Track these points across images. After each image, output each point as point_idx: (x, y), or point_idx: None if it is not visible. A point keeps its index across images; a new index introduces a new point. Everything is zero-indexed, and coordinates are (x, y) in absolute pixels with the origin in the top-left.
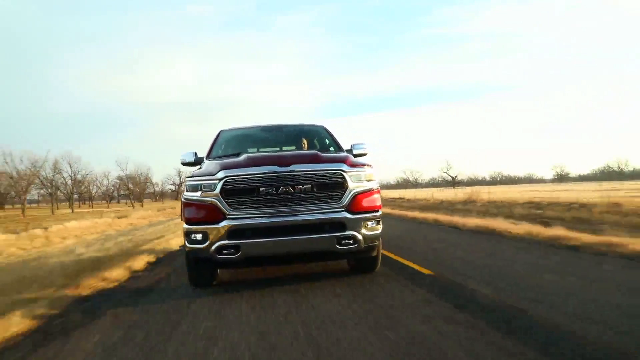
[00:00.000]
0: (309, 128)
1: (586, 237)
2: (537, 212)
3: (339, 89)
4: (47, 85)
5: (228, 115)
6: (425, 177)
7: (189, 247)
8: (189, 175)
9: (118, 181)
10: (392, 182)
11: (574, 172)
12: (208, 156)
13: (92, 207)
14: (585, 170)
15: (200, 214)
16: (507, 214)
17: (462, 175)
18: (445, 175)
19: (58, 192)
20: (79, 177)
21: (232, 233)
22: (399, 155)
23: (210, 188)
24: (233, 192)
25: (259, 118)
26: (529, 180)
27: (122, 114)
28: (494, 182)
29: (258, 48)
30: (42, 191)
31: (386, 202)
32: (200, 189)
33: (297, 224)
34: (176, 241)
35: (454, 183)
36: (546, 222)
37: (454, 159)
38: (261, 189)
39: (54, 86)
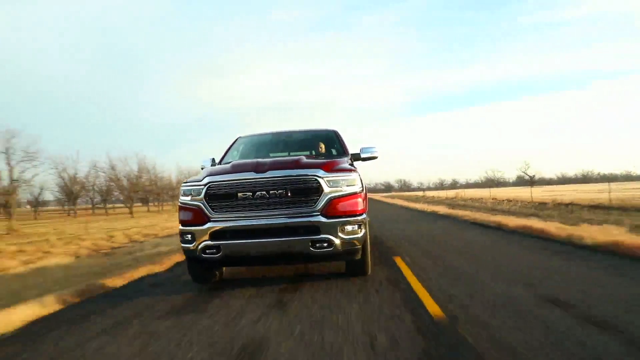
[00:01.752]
0: (320, 133)
1: None
2: None
3: (427, 86)
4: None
5: (316, 117)
6: (511, 175)
7: (183, 246)
8: (184, 180)
9: None
10: (479, 181)
11: None
12: (220, 162)
13: None
14: None
15: (189, 216)
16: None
17: (550, 174)
18: (523, 174)
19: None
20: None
21: (213, 234)
22: (486, 152)
23: (198, 193)
24: (215, 196)
25: (343, 120)
26: (626, 178)
27: (214, 119)
28: (585, 180)
29: (344, 50)
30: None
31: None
32: (190, 194)
33: (272, 227)
34: None
35: (532, 182)
36: None
37: (544, 157)
38: (239, 194)
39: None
